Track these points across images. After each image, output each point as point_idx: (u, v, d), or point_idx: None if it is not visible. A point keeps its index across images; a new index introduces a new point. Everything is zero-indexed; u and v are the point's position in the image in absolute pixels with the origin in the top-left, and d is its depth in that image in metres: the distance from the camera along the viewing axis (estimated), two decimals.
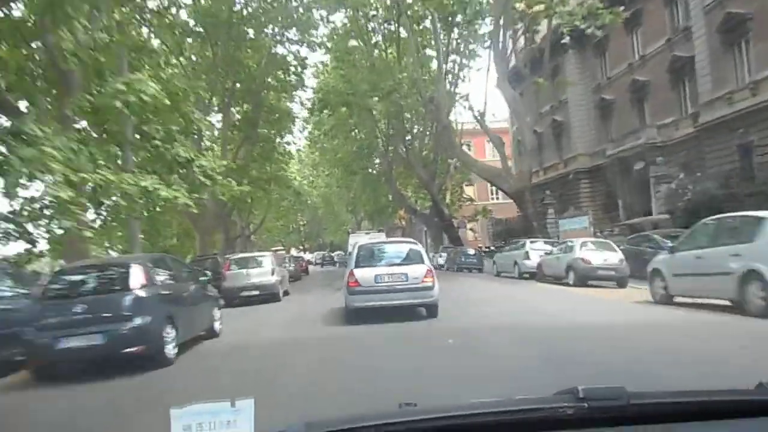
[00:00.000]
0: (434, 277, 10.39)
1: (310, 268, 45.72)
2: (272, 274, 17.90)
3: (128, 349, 7.22)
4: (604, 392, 1.26)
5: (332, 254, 57.66)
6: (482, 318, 10.41)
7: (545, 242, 20.79)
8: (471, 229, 38.58)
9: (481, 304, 12.73)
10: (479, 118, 26.02)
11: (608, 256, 15.80)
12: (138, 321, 7.34)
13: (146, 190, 11.46)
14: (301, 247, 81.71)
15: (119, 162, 14.32)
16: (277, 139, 32.07)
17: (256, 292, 17.32)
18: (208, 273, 18.81)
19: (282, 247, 63.16)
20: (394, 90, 28.03)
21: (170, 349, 7.80)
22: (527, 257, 19.85)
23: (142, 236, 33.43)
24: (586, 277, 15.73)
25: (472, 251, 28.62)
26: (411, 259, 10.65)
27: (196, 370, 7.69)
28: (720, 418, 1.28)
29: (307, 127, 40.41)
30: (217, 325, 10.27)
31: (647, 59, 27.91)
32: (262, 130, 29.63)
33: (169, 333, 7.84)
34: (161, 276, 8.43)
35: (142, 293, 7.58)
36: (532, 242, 20.61)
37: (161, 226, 23.49)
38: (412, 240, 13.17)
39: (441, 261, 30.77)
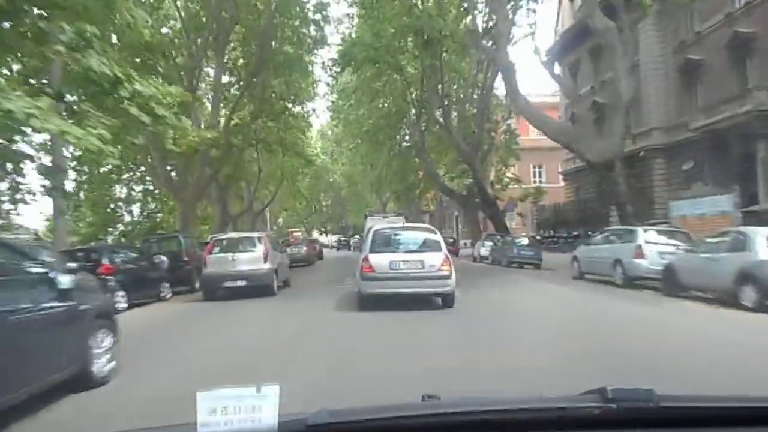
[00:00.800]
0: (451, 266, 10.14)
1: (325, 252, 41.95)
2: (264, 260, 13.87)
3: None
4: (633, 393, 1.21)
5: (347, 238, 54.66)
6: None
7: (659, 232, 13.91)
8: (520, 214, 32.67)
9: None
10: (546, 61, 20.33)
11: None
12: None
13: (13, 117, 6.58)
14: (323, 229, 77.52)
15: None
16: (291, 104, 26.89)
17: (243, 283, 13.37)
18: (164, 258, 14.28)
19: (299, 229, 59.04)
20: (434, 25, 22.25)
21: None
22: (640, 254, 13.09)
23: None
24: None
25: (526, 241, 22.77)
26: (428, 246, 10.41)
27: None
28: (752, 425, 1.23)
29: (328, 95, 35.44)
30: (102, 363, 5.34)
31: (754, 6, 22.04)
32: (273, 89, 24.56)
33: None
34: None
35: None
36: (645, 231, 13.73)
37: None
38: (429, 227, 12.79)
39: (484, 252, 24.90)
